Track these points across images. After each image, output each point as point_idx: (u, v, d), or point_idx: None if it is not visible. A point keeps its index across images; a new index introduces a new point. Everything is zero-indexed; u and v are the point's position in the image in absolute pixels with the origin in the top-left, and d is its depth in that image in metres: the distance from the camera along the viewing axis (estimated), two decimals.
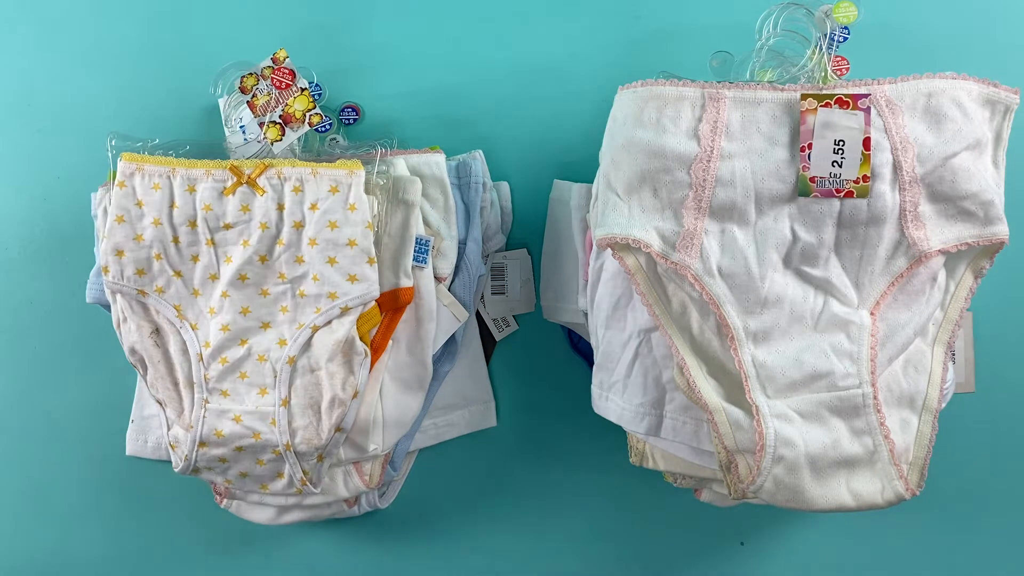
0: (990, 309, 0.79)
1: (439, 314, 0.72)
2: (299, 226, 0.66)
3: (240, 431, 0.66)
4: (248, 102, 0.67)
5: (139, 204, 0.67)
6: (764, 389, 0.63)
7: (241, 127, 0.76)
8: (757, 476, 0.62)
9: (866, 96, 0.63)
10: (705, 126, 0.63)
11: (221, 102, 0.76)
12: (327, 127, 0.78)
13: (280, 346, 0.67)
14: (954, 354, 0.72)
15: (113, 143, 0.71)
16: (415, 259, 0.69)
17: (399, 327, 0.70)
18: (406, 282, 0.69)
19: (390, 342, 0.70)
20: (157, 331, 0.69)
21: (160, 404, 0.69)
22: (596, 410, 0.75)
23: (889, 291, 0.65)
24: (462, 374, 0.80)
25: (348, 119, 0.79)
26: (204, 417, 0.67)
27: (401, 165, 0.70)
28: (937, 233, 0.64)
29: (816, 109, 0.62)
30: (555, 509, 0.82)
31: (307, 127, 0.71)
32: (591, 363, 0.76)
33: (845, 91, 0.63)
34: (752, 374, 0.63)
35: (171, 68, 0.81)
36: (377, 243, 0.68)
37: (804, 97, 0.63)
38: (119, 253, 0.67)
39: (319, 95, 0.78)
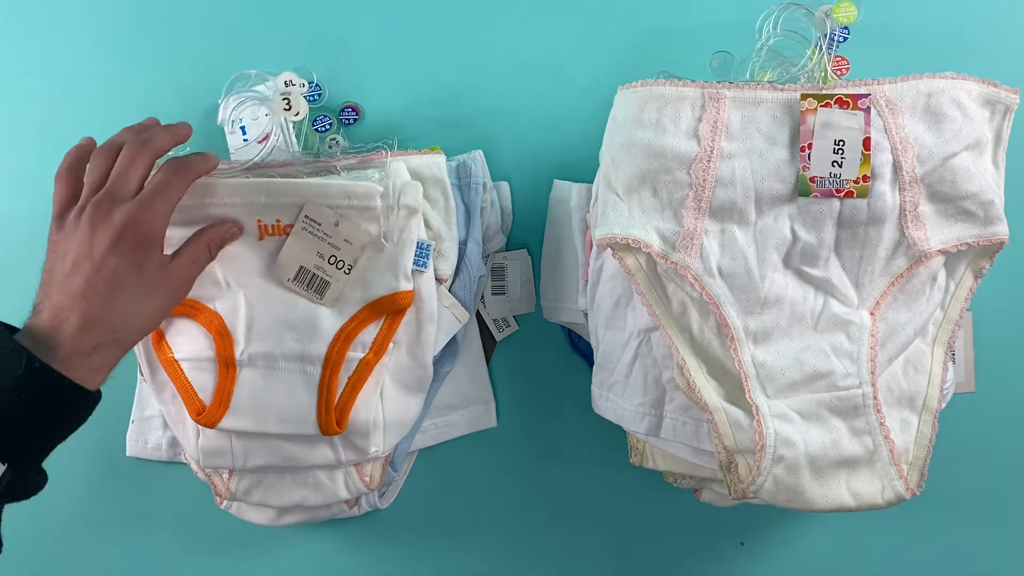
0: (990, 309, 0.79)
1: (440, 315, 0.72)
2: None
3: None
4: None
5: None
6: (764, 389, 0.63)
7: (241, 127, 0.76)
8: (757, 476, 0.62)
9: (866, 96, 0.63)
10: (705, 126, 0.63)
11: (221, 103, 0.76)
12: (327, 127, 0.78)
13: None
14: (954, 354, 0.72)
15: None
16: (416, 263, 0.69)
17: (400, 329, 0.70)
18: (405, 285, 0.68)
19: (391, 344, 0.70)
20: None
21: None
22: (596, 410, 0.75)
23: (889, 291, 0.65)
24: (462, 374, 0.80)
25: (348, 119, 0.79)
26: None
27: (401, 167, 0.70)
28: (937, 233, 0.64)
29: (816, 109, 0.62)
30: (555, 509, 0.82)
31: None
32: (591, 363, 0.76)
33: (845, 91, 0.63)
34: (752, 374, 0.63)
35: (171, 68, 0.81)
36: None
37: (804, 97, 0.63)
38: None
39: (319, 95, 0.79)
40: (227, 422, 0.68)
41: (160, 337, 0.69)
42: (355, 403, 0.69)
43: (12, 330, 0.56)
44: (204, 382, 0.68)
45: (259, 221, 0.67)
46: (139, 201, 0.58)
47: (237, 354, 0.68)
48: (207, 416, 0.68)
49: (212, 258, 0.65)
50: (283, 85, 0.76)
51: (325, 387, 0.68)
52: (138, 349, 0.71)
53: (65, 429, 0.56)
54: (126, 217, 0.57)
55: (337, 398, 0.68)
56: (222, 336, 0.68)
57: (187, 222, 0.66)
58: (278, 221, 0.67)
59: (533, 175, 0.80)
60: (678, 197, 0.64)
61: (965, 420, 0.80)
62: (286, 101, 0.71)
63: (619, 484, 0.82)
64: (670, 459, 0.73)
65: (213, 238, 0.65)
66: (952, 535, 0.82)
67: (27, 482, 0.55)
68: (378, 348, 0.69)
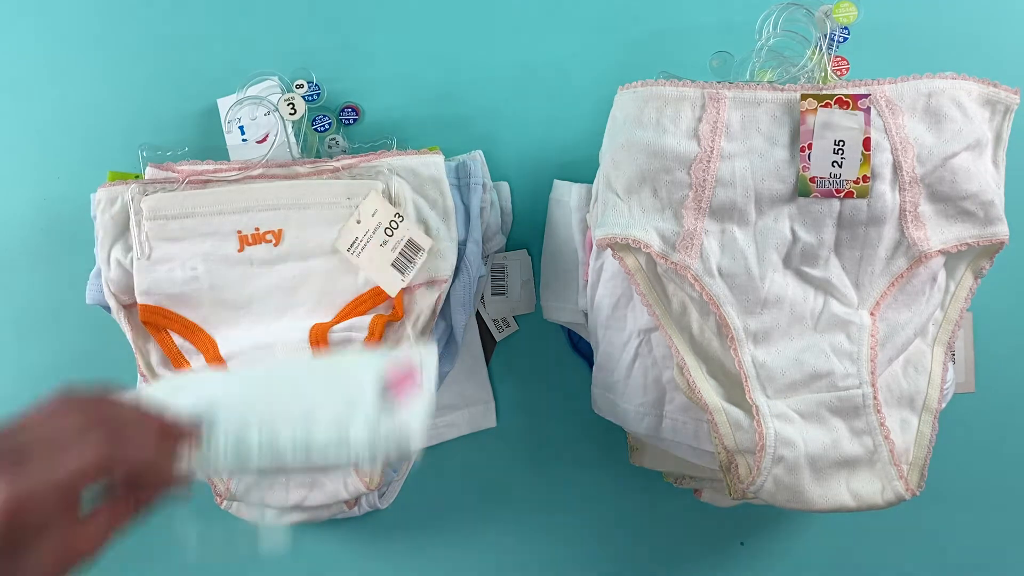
0: (990, 309, 0.79)
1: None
2: None
3: None
4: None
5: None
6: (764, 389, 0.63)
7: (239, 127, 0.76)
8: (757, 476, 0.62)
9: (866, 96, 0.63)
10: (705, 126, 0.63)
11: (220, 102, 0.76)
12: (326, 127, 0.78)
13: None
14: (954, 354, 0.72)
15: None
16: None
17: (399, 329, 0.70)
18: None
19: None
20: None
21: None
22: (596, 410, 0.75)
23: (889, 291, 0.65)
24: (462, 374, 0.80)
25: (348, 119, 0.79)
26: None
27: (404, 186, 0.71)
28: (937, 233, 0.64)
29: (816, 109, 0.62)
30: (555, 509, 0.82)
31: None
32: (591, 363, 0.76)
33: (845, 91, 0.63)
34: (752, 374, 0.63)
35: (171, 68, 0.81)
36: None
37: (804, 97, 0.63)
38: None
39: (317, 95, 0.78)
40: None
41: (179, 357, 0.71)
42: None
43: None
44: None
45: (238, 232, 0.68)
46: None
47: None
48: None
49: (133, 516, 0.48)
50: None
51: None
52: (137, 350, 0.71)
53: None
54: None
55: None
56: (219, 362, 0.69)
57: (171, 237, 0.68)
58: (256, 229, 0.68)
59: (533, 175, 0.80)
60: (678, 197, 0.64)
61: (965, 420, 0.80)
62: (291, 106, 0.72)
63: (619, 484, 0.82)
64: (670, 459, 0.73)
65: (140, 501, 0.48)
66: (952, 535, 0.82)
67: None
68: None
